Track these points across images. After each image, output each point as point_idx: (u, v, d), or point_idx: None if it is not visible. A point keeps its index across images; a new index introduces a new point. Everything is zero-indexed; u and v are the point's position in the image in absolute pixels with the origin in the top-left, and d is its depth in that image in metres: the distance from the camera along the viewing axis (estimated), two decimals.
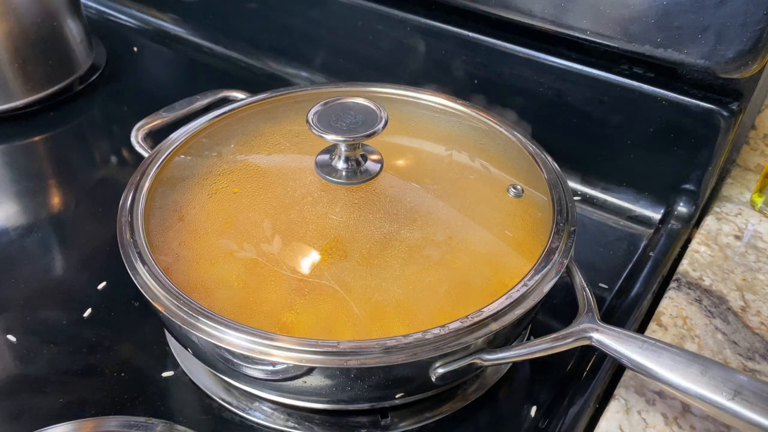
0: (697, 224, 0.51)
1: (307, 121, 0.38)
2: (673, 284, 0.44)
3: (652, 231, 0.52)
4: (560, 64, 0.52)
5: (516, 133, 0.45)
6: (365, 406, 0.37)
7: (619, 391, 0.37)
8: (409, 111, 0.47)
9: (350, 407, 0.37)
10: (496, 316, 0.32)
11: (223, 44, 0.74)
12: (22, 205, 0.53)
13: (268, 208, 0.37)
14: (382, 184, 0.39)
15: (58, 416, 0.37)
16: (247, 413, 0.38)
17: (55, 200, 0.55)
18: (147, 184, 0.40)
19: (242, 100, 0.49)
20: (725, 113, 0.47)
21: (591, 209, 0.54)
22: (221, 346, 0.31)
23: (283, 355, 0.31)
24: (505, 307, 0.33)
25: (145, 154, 0.44)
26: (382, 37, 0.61)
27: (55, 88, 0.65)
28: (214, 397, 0.39)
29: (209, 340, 0.31)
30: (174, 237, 0.37)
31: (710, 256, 0.46)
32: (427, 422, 0.38)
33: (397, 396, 0.35)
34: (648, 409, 0.36)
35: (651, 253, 0.49)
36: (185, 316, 0.32)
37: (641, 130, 0.51)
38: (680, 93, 0.48)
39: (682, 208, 0.51)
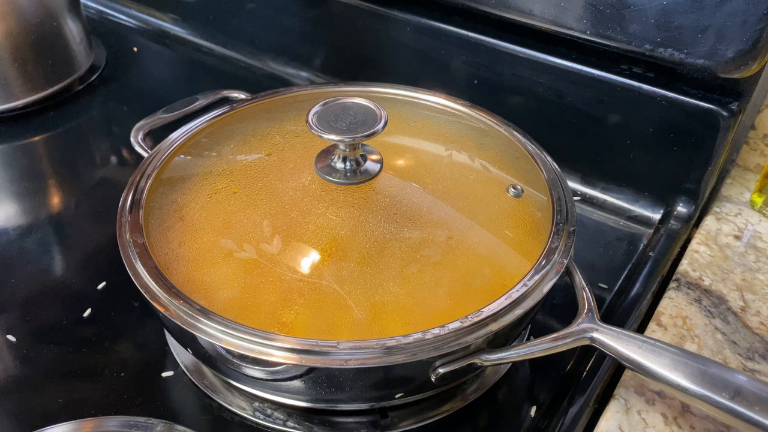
0: (697, 224, 0.51)
1: (307, 121, 0.38)
2: (672, 284, 0.44)
3: (651, 231, 0.52)
4: (560, 64, 0.52)
5: (516, 133, 0.45)
6: (365, 406, 0.37)
7: (619, 391, 0.37)
8: (409, 111, 0.47)
9: (350, 407, 0.37)
10: (495, 317, 0.32)
11: (223, 44, 0.74)
12: (22, 205, 0.53)
13: (268, 208, 0.37)
14: (382, 184, 0.39)
15: (58, 416, 0.37)
16: (247, 413, 0.38)
17: (55, 200, 0.55)
18: (147, 184, 0.40)
19: (242, 100, 0.49)
20: (725, 113, 0.47)
21: (591, 209, 0.54)
22: (221, 346, 0.31)
23: (282, 355, 0.31)
24: (504, 307, 0.33)
25: (145, 154, 0.44)
26: (382, 37, 0.61)
27: (55, 88, 0.65)
28: (214, 397, 0.39)
29: (209, 340, 0.31)
30: (174, 237, 0.37)
31: (710, 256, 0.46)
32: (426, 422, 0.38)
33: (396, 396, 0.35)
34: (648, 409, 0.36)
35: (651, 253, 0.49)
36: (185, 316, 0.32)
37: (641, 130, 0.51)
38: (680, 93, 0.48)
39: (681, 208, 0.51)
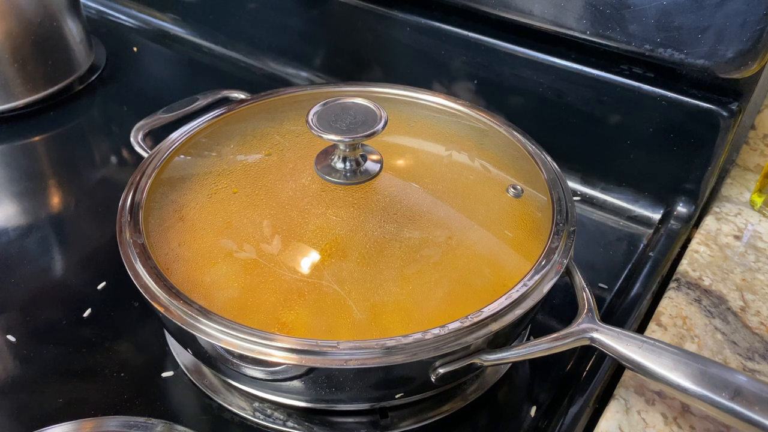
0: (697, 224, 0.51)
1: (307, 121, 0.38)
2: (672, 284, 0.44)
3: (651, 231, 0.52)
4: (560, 64, 0.52)
5: (516, 133, 0.45)
6: (365, 406, 0.37)
7: (619, 391, 0.37)
8: (408, 111, 0.47)
9: (350, 407, 0.37)
10: (495, 317, 0.32)
11: (223, 44, 0.74)
12: (22, 205, 0.53)
13: (268, 208, 0.37)
14: (382, 184, 0.39)
15: (58, 416, 0.37)
16: (247, 413, 0.38)
17: (55, 200, 0.55)
18: (147, 184, 0.40)
19: (242, 100, 0.49)
20: (725, 113, 0.47)
21: (591, 209, 0.54)
22: (221, 346, 0.31)
23: (282, 355, 0.31)
24: (504, 308, 0.33)
25: (145, 154, 0.44)
26: (382, 37, 0.61)
27: (55, 88, 0.65)
28: (214, 397, 0.39)
29: (209, 340, 0.31)
30: (174, 237, 0.37)
31: (710, 256, 0.46)
32: (426, 422, 0.38)
33: (396, 396, 0.35)
34: (648, 409, 0.36)
35: (651, 253, 0.49)
36: (185, 316, 0.32)
37: (641, 130, 0.51)
38: (680, 93, 0.48)
39: (681, 208, 0.51)
